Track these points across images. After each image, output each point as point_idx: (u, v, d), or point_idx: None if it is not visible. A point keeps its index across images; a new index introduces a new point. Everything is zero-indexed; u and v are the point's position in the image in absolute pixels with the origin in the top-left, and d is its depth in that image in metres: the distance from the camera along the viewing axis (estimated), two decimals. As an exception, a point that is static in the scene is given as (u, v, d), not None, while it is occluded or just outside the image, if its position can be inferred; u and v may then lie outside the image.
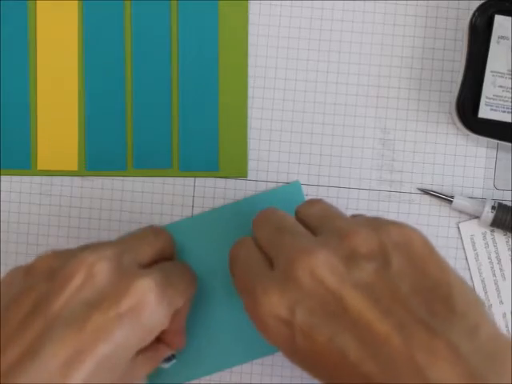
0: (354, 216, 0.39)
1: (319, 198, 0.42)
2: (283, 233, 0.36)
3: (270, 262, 0.36)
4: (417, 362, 0.30)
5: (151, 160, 0.45)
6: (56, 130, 0.45)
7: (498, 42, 0.42)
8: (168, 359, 0.42)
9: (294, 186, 0.45)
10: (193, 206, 0.45)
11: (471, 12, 0.42)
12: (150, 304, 0.36)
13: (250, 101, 0.45)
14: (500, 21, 0.42)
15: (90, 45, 0.45)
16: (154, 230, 0.42)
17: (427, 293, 0.33)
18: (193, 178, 0.45)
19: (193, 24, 0.45)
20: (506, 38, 0.42)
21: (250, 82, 0.45)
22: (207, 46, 0.45)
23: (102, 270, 0.36)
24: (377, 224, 0.35)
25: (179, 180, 0.45)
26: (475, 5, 0.42)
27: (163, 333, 0.40)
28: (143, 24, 0.45)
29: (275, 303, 0.33)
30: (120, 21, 0.45)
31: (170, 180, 0.45)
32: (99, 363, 0.34)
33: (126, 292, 0.35)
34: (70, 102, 0.45)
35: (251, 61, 0.45)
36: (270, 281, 0.34)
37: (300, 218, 0.39)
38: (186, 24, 0.45)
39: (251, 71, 0.45)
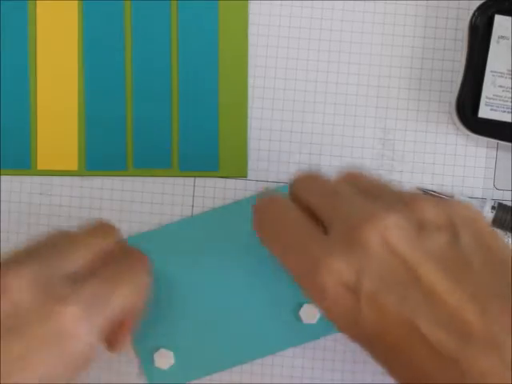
0: None
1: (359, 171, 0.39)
2: (338, 194, 0.34)
3: (321, 226, 0.33)
4: (494, 337, 0.29)
5: (151, 160, 0.45)
6: (56, 129, 0.45)
7: (497, 42, 0.42)
8: None
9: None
10: (193, 206, 0.45)
11: (471, 12, 0.42)
12: (75, 328, 0.33)
13: (249, 101, 0.45)
14: (500, 21, 0.42)
15: (89, 45, 0.45)
16: (94, 229, 0.39)
17: (496, 268, 0.31)
18: (193, 178, 0.45)
19: (193, 24, 0.45)
20: (506, 38, 0.42)
21: (250, 81, 0.45)
22: (207, 46, 0.45)
23: (20, 292, 0.33)
24: (439, 199, 0.33)
25: (179, 180, 0.45)
26: (475, 5, 0.42)
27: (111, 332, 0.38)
28: (143, 24, 0.45)
29: (341, 268, 0.30)
30: (120, 21, 0.45)
31: (169, 180, 0.45)
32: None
33: (49, 320, 0.33)
34: (70, 102, 0.45)
35: (251, 61, 0.45)
36: (332, 243, 0.31)
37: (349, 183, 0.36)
38: (185, 24, 0.45)
39: (251, 71, 0.45)
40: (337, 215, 0.33)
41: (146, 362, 0.44)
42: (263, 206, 0.36)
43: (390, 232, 0.31)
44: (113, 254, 0.38)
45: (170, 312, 0.44)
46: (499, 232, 0.45)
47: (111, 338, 0.38)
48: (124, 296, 0.36)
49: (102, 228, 0.39)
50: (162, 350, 0.44)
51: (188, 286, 0.44)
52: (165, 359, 0.44)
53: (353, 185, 0.35)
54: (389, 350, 0.31)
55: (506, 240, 0.45)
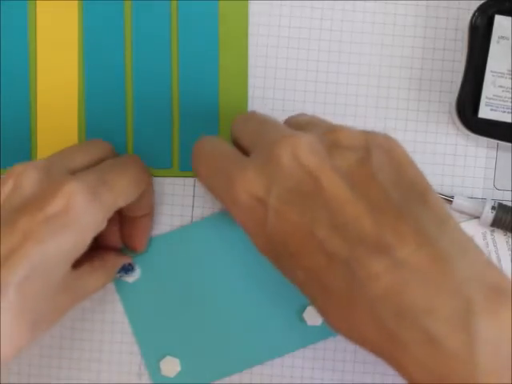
0: None
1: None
2: (265, 122, 0.37)
3: (247, 154, 0.36)
4: (385, 242, 0.30)
5: (151, 160, 0.45)
6: (56, 129, 0.45)
7: (498, 42, 0.42)
8: (127, 270, 0.43)
9: None
10: (193, 206, 0.45)
11: (471, 12, 0.42)
12: (78, 204, 0.35)
13: (250, 101, 0.45)
14: (500, 21, 0.42)
15: (90, 45, 0.45)
16: (92, 141, 0.42)
17: (403, 187, 0.33)
18: (193, 178, 0.45)
19: (193, 24, 0.45)
20: (506, 38, 0.42)
21: (250, 81, 0.45)
22: (207, 46, 0.45)
23: (28, 177, 0.36)
24: (361, 130, 0.35)
25: (179, 180, 0.45)
26: (475, 5, 0.42)
27: (123, 235, 0.42)
28: (143, 24, 0.45)
29: (251, 179, 0.33)
30: (120, 21, 0.45)
31: (169, 180, 0.45)
32: (33, 266, 0.34)
33: (53, 195, 0.35)
34: (69, 102, 0.45)
35: (251, 61, 0.45)
36: (247, 161, 0.34)
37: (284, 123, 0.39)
38: (186, 24, 0.45)
39: (251, 71, 0.45)
40: (259, 139, 0.35)
41: (153, 371, 0.44)
42: (199, 142, 0.39)
43: (300, 148, 0.33)
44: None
45: (173, 319, 0.44)
46: (501, 232, 0.45)
47: (130, 238, 0.42)
48: (124, 184, 0.38)
49: (101, 143, 0.42)
50: (168, 358, 0.44)
51: (191, 291, 0.44)
52: (171, 366, 0.44)
53: (289, 122, 0.38)
54: (291, 257, 0.33)
55: (506, 240, 0.45)
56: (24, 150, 0.45)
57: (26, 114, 0.45)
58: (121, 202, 0.38)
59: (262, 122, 0.37)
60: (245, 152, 0.36)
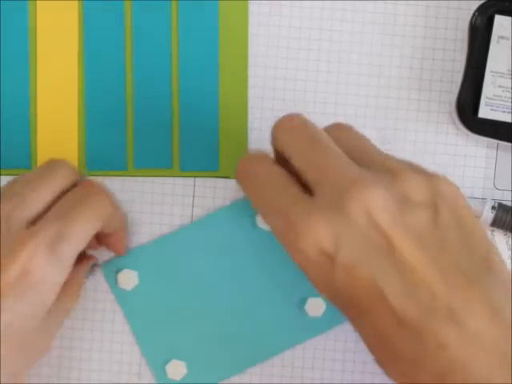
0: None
1: (347, 124, 0.38)
2: (326, 151, 0.34)
3: (306, 186, 0.34)
4: (457, 311, 0.30)
5: (151, 160, 0.45)
6: (56, 130, 0.45)
7: (498, 42, 0.42)
8: (92, 267, 0.43)
9: None
10: (193, 206, 0.45)
11: (471, 12, 0.42)
12: (36, 269, 0.35)
13: (250, 101, 0.45)
14: (500, 21, 0.42)
15: (89, 45, 0.45)
16: (49, 166, 0.39)
17: (470, 248, 0.32)
18: (193, 178, 0.45)
19: (193, 24, 0.45)
20: (506, 38, 0.42)
21: (250, 82, 0.45)
22: (207, 46, 0.45)
23: None
24: (422, 170, 0.34)
25: (179, 180, 0.45)
26: (475, 5, 0.42)
27: (99, 242, 0.41)
28: (143, 24, 0.45)
29: (319, 231, 0.31)
30: (120, 21, 0.45)
31: (169, 180, 0.45)
32: (4, 331, 0.34)
33: (12, 260, 0.35)
34: (69, 102, 0.45)
35: (251, 61, 0.45)
36: (313, 207, 0.32)
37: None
38: (186, 24, 0.45)
39: (251, 71, 0.45)
40: (323, 178, 0.33)
41: (159, 376, 0.44)
42: (247, 168, 0.37)
43: (373, 203, 0.31)
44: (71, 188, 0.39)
45: (175, 321, 0.44)
46: (501, 232, 0.45)
47: (107, 246, 0.42)
48: (85, 225, 0.37)
49: (61, 169, 0.39)
50: (174, 361, 0.44)
51: (191, 293, 0.44)
52: (177, 370, 0.44)
53: (339, 141, 0.35)
54: (358, 312, 0.33)
55: (506, 240, 0.45)
56: (24, 150, 0.45)
57: (25, 114, 0.45)
58: (82, 246, 0.37)
59: (319, 147, 0.34)
60: (292, 169, 0.35)
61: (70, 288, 0.40)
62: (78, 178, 0.40)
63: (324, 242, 0.32)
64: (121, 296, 0.44)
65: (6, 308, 0.35)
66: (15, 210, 0.37)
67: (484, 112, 0.43)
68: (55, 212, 0.37)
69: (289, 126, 0.36)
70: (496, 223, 0.44)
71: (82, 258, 0.42)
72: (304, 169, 0.34)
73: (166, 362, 0.44)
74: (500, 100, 0.43)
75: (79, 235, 0.37)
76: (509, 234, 0.45)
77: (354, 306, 0.33)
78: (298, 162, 0.35)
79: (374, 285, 0.31)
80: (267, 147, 0.45)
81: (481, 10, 0.42)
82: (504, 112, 0.43)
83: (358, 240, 0.31)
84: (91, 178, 0.42)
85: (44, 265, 0.35)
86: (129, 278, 0.44)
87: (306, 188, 0.34)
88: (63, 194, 0.39)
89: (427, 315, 0.31)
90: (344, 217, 0.31)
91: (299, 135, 0.35)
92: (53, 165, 0.39)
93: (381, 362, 0.33)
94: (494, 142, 0.44)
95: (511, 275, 0.33)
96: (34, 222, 0.37)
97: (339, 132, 0.37)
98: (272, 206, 0.34)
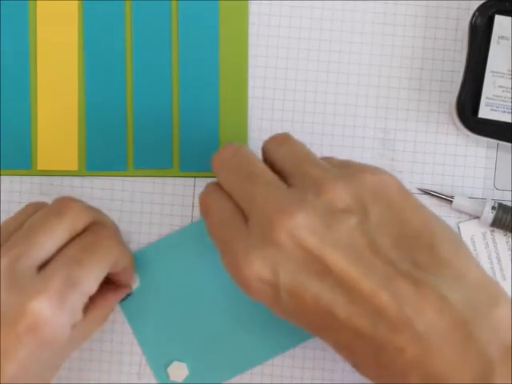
0: (325, 159, 0.37)
1: (286, 132, 0.39)
2: (254, 181, 0.35)
3: (243, 214, 0.35)
4: (405, 314, 0.31)
5: (151, 160, 0.45)
6: (56, 129, 0.45)
7: (498, 42, 0.42)
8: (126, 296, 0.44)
9: None
10: (193, 206, 0.45)
11: (471, 12, 0.42)
12: (47, 321, 0.35)
13: (250, 101, 0.45)
14: (500, 21, 0.42)
15: (90, 45, 0.45)
16: (60, 207, 0.39)
17: (409, 243, 0.33)
18: (193, 178, 0.45)
19: (193, 24, 0.45)
20: (506, 38, 0.42)
21: (250, 82, 0.45)
22: (207, 46, 0.45)
23: None
24: (351, 172, 0.34)
25: (179, 180, 0.45)
26: (475, 5, 0.42)
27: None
28: (143, 24, 0.45)
29: (258, 267, 0.33)
30: (120, 21, 0.45)
31: (170, 180, 0.45)
32: (16, 376, 0.35)
33: (22, 313, 0.35)
34: (70, 102, 0.45)
35: (251, 61, 0.45)
36: (249, 242, 0.33)
37: (269, 159, 0.37)
38: (186, 24, 0.45)
39: (251, 71, 0.45)
40: (251, 205, 0.34)
41: (161, 378, 0.44)
42: (205, 197, 0.38)
43: (299, 230, 0.32)
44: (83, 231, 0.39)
45: (176, 323, 0.44)
46: (501, 232, 0.45)
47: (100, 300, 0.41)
48: (96, 271, 0.38)
49: (73, 210, 0.39)
50: (175, 363, 0.44)
51: (192, 294, 0.44)
52: (179, 371, 0.44)
53: (272, 153, 0.37)
54: (315, 328, 0.34)
55: (506, 240, 0.45)
56: (24, 150, 0.45)
57: (26, 114, 0.45)
58: (92, 292, 0.38)
59: (247, 173, 0.36)
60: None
61: (97, 313, 0.40)
62: (89, 219, 0.40)
63: (263, 273, 0.33)
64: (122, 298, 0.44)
65: (15, 358, 0.35)
66: (26, 253, 0.36)
67: (484, 112, 0.43)
68: (65, 258, 0.37)
69: (224, 160, 0.37)
70: (496, 223, 0.44)
71: (115, 285, 0.42)
72: (238, 199, 0.36)
73: (168, 363, 0.44)
74: (500, 100, 0.43)
75: (89, 283, 0.37)
76: (509, 233, 0.45)
77: (309, 325, 0.34)
78: (232, 193, 0.36)
79: (320, 304, 0.32)
80: (267, 147, 0.45)
81: (481, 10, 0.42)
82: (504, 112, 0.43)
83: (294, 265, 0.33)
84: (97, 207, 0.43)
85: (52, 318, 0.35)
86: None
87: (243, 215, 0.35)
88: (74, 236, 0.39)
89: (378, 326, 0.31)
90: (276, 247, 0.33)
91: (232, 167, 0.37)
92: (64, 206, 0.39)
93: (353, 365, 0.34)
94: (494, 142, 0.44)
95: (461, 255, 0.33)
96: (44, 265, 0.37)
97: (274, 143, 0.38)
98: (220, 239, 0.36)
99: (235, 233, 0.35)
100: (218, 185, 0.38)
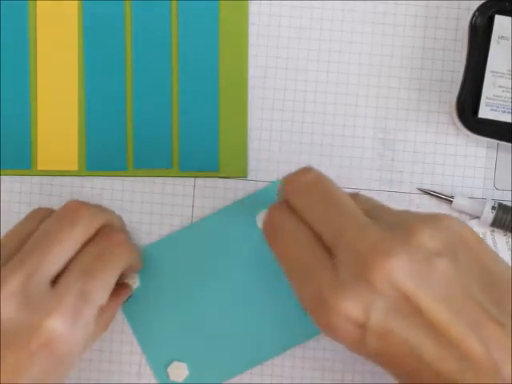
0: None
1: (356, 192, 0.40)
2: (341, 214, 0.34)
3: (325, 246, 0.34)
4: (493, 359, 0.31)
5: (151, 160, 0.45)
6: (56, 130, 0.45)
7: (498, 42, 0.42)
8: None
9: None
10: (193, 206, 0.45)
11: (471, 12, 0.42)
12: (61, 338, 0.35)
13: (250, 101, 0.45)
14: (500, 21, 0.42)
15: (90, 45, 0.45)
16: (68, 220, 0.38)
17: (491, 288, 0.33)
18: (193, 178, 0.45)
19: (193, 24, 0.45)
20: (506, 38, 0.42)
21: (250, 82, 0.45)
22: (207, 46, 0.45)
23: (6, 308, 0.35)
24: (432, 217, 0.34)
25: (179, 180, 0.45)
26: (475, 5, 0.42)
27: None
28: (143, 24, 0.45)
29: (348, 305, 0.32)
30: (120, 21, 0.45)
31: (170, 180, 0.45)
32: None
33: (36, 331, 0.35)
34: (70, 102, 0.45)
35: (251, 61, 0.45)
36: (338, 278, 0.33)
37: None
38: (186, 24, 0.45)
39: (251, 71, 0.45)
40: (342, 241, 0.34)
41: (162, 378, 0.44)
42: (273, 218, 0.37)
43: (395, 272, 0.32)
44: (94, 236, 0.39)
45: (176, 323, 0.44)
46: (501, 232, 0.45)
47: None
48: (108, 281, 0.38)
49: (87, 217, 0.39)
50: (175, 363, 0.44)
51: (192, 294, 0.44)
52: (179, 371, 0.44)
53: (352, 200, 0.36)
54: (396, 370, 0.34)
55: (506, 240, 0.45)
56: (24, 150, 0.45)
57: (26, 114, 0.45)
58: (104, 302, 0.38)
59: (331, 201, 0.35)
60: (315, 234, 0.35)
61: (102, 321, 0.40)
62: (100, 223, 0.39)
63: (354, 313, 0.32)
64: None
65: (28, 376, 0.35)
66: (39, 269, 0.36)
67: (484, 112, 0.43)
68: (77, 271, 0.37)
69: (304, 186, 0.36)
70: (496, 223, 0.44)
71: (116, 288, 0.41)
72: (322, 230, 0.35)
73: (168, 363, 0.44)
74: (500, 100, 0.43)
75: (101, 294, 0.38)
76: (509, 234, 0.45)
77: (392, 367, 0.34)
78: (315, 222, 0.35)
79: (408, 347, 0.32)
80: (267, 147, 0.45)
81: (481, 10, 0.42)
82: (504, 112, 0.43)
83: (386, 307, 0.32)
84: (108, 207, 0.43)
85: (66, 335, 0.36)
86: (130, 279, 0.44)
87: (324, 245, 0.35)
88: (84, 244, 0.39)
89: (466, 370, 0.31)
90: (370, 288, 0.32)
91: (315, 195, 0.36)
92: (76, 214, 0.39)
93: None
94: (494, 142, 0.44)
95: None
96: (57, 277, 0.37)
97: (360, 202, 0.37)
98: (298, 268, 0.35)
99: (318, 266, 0.34)
100: (289, 208, 0.37)
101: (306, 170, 0.37)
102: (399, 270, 0.32)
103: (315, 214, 0.35)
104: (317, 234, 0.35)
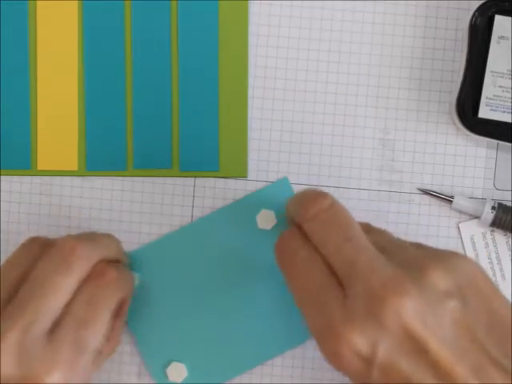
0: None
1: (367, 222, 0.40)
2: (354, 246, 0.35)
3: (336, 276, 0.35)
4: None
5: (151, 160, 0.45)
6: (56, 130, 0.45)
7: (498, 42, 0.42)
8: None
9: (283, 183, 0.45)
10: (193, 206, 0.45)
11: (471, 12, 0.42)
12: None
13: (249, 101, 0.45)
14: (500, 21, 0.42)
15: (90, 45, 0.45)
16: (63, 264, 0.37)
17: (498, 332, 0.34)
18: (193, 178, 0.45)
19: (193, 24, 0.45)
20: (506, 38, 0.42)
21: (250, 82, 0.45)
22: (207, 46, 0.45)
23: (6, 366, 0.35)
24: (445, 256, 0.35)
25: (179, 180, 0.45)
26: (475, 5, 0.42)
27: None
28: (143, 24, 0.45)
29: (357, 339, 0.33)
30: (120, 21, 0.45)
31: (169, 180, 0.45)
32: None
33: None
34: (70, 102, 0.45)
35: (251, 61, 0.45)
36: (349, 311, 0.33)
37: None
38: (186, 24, 0.45)
39: (251, 71, 0.45)
40: (354, 274, 0.34)
41: (160, 378, 0.44)
42: (286, 244, 0.38)
43: (405, 312, 0.33)
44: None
45: (175, 323, 0.44)
46: (501, 232, 0.45)
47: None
48: (103, 323, 0.38)
49: (83, 259, 0.38)
50: (174, 364, 0.44)
51: (191, 294, 0.44)
52: (178, 372, 0.44)
53: (368, 235, 0.37)
54: None
55: (506, 240, 0.45)
56: (24, 150, 0.45)
57: (26, 114, 0.45)
58: (100, 346, 0.38)
59: (348, 236, 0.35)
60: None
61: (108, 349, 0.40)
62: (95, 261, 0.39)
63: (362, 347, 0.33)
64: None
65: None
66: (36, 321, 0.36)
67: (484, 112, 0.43)
68: (72, 320, 0.37)
69: (320, 214, 0.36)
70: (496, 223, 0.44)
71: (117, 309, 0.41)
72: (335, 260, 0.35)
73: (167, 364, 0.44)
74: (500, 100, 0.43)
75: (97, 339, 0.38)
76: (509, 233, 0.45)
77: None
78: (329, 253, 0.35)
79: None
80: (267, 147, 0.45)
81: (481, 10, 0.42)
82: (504, 112, 0.43)
83: (393, 344, 0.33)
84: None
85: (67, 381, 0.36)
86: None
87: (336, 275, 0.35)
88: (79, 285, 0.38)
89: None
90: (379, 325, 0.33)
91: (331, 226, 0.36)
92: (71, 255, 0.38)
93: None
94: (494, 142, 0.44)
95: None
96: (54, 327, 0.37)
97: (367, 229, 0.38)
98: (309, 295, 0.36)
99: (330, 296, 0.34)
100: (302, 234, 0.37)
101: (323, 196, 0.37)
102: (409, 309, 0.33)
103: (330, 245, 0.36)
104: (329, 264, 0.35)
